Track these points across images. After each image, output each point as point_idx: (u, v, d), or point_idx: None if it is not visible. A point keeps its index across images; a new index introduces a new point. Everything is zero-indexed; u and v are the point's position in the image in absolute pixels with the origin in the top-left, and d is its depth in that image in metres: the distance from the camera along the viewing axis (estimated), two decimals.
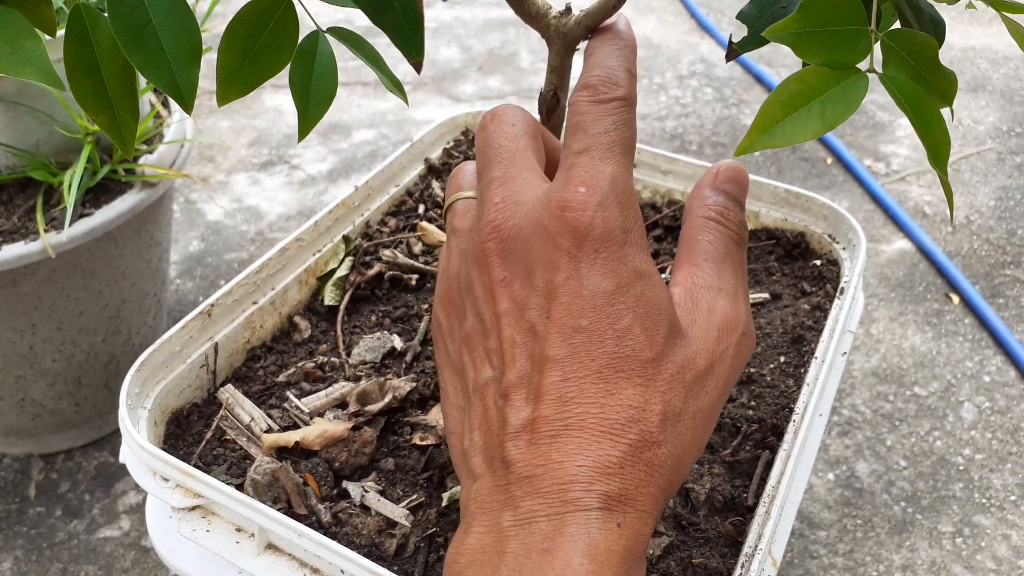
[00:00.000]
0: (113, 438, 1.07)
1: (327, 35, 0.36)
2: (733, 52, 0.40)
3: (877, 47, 0.34)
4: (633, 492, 0.31)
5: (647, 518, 0.31)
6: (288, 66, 0.36)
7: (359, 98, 1.75)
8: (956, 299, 1.25)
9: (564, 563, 0.29)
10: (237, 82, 0.34)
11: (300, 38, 0.35)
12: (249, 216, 1.43)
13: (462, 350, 0.37)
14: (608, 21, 0.40)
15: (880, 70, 0.34)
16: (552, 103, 0.45)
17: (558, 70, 0.45)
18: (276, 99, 1.74)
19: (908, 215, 1.39)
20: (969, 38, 1.97)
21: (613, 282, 0.32)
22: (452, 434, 0.37)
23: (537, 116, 0.46)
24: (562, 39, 0.43)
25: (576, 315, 0.32)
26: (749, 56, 1.87)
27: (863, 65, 0.34)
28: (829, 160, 1.55)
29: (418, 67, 0.34)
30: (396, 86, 0.37)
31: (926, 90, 0.34)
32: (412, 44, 0.33)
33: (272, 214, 1.44)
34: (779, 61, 1.88)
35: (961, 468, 1.02)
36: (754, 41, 0.39)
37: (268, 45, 0.34)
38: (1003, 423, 1.07)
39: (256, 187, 1.50)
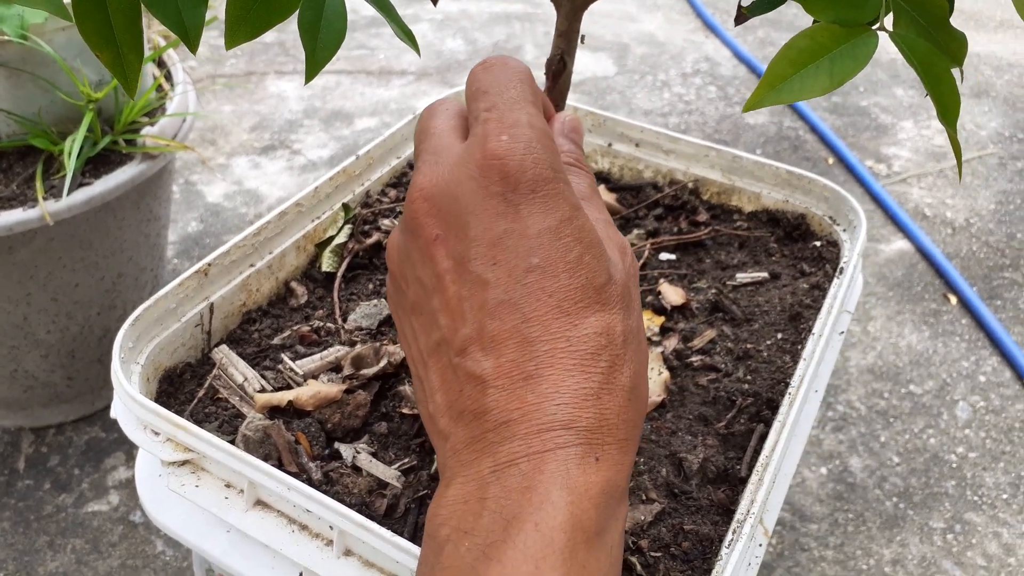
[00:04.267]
0: (104, 414, 1.07)
1: None
2: (742, 16, 0.40)
3: (889, 18, 0.34)
4: (612, 420, 0.31)
5: (626, 447, 0.31)
6: (297, 12, 0.35)
7: (362, 86, 1.75)
8: (954, 300, 1.25)
9: (543, 497, 0.29)
10: (246, 25, 0.33)
11: None
12: (248, 199, 1.43)
13: (410, 319, 0.36)
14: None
15: (891, 29, 0.34)
16: (559, 67, 0.45)
17: (566, 34, 0.44)
18: (279, 85, 1.74)
19: (908, 216, 1.39)
20: (974, 44, 1.97)
21: (556, 217, 0.32)
22: (419, 403, 0.37)
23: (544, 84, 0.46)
24: (571, 2, 0.43)
25: (525, 255, 0.32)
26: (753, 55, 1.87)
27: (874, 25, 0.34)
28: (831, 160, 1.55)
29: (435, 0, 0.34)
30: (408, 36, 0.37)
31: (937, 49, 0.34)
32: None
33: (272, 197, 1.44)
34: None
35: (954, 466, 1.02)
36: (763, 5, 0.39)
37: None
38: (997, 423, 1.07)
39: (256, 171, 1.50)
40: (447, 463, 0.33)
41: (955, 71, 0.35)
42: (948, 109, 0.34)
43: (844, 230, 0.61)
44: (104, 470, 1.00)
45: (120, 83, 0.34)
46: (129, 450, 1.03)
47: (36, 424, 1.05)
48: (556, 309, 0.32)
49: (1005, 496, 0.99)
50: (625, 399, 0.32)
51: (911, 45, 0.33)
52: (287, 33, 1.91)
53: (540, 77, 0.47)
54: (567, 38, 0.45)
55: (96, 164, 0.87)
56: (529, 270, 0.32)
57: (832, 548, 0.93)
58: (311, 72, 0.36)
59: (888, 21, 0.34)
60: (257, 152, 1.55)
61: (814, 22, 0.36)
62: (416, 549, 0.38)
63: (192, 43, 0.34)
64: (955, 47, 0.35)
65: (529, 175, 0.32)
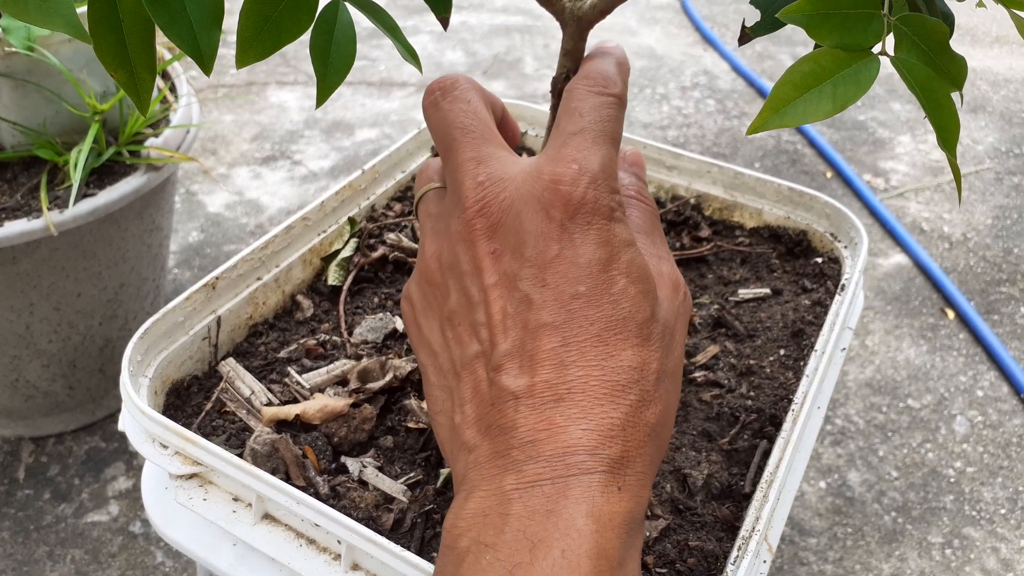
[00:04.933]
0: (105, 424, 1.07)
1: (347, 3, 0.36)
2: (746, 36, 0.40)
3: (890, 37, 0.35)
4: (633, 454, 0.31)
5: (645, 479, 0.32)
6: (308, 33, 0.36)
7: (363, 98, 1.75)
8: (951, 314, 1.26)
9: (568, 523, 0.29)
10: (257, 46, 0.34)
11: (320, 5, 0.35)
12: (249, 209, 1.43)
13: (443, 328, 0.37)
14: (607, 46, 0.42)
15: (892, 53, 0.34)
16: (564, 86, 0.45)
17: (571, 54, 0.45)
18: (280, 95, 1.75)
19: (906, 230, 1.40)
20: (970, 60, 1.98)
21: (606, 251, 0.34)
22: (438, 413, 0.37)
23: (551, 101, 0.47)
24: (576, 22, 0.44)
25: (573, 282, 0.33)
26: (752, 69, 1.89)
27: (875, 49, 0.34)
28: (829, 174, 1.56)
29: (444, 23, 0.34)
30: (411, 55, 0.38)
31: (937, 74, 0.34)
32: (440, 1, 0.33)
33: (272, 208, 1.44)
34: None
35: (952, 480, 1.03)
36: (767, 26, 0.40)
37: (288, 10, 0.34)
38: (995, 437, 1.08)
39: (257, 181, 1.50)
40: (467, 475, 0.33)
41: (954, 95, 0.36)
42: (948, 134, 0.34)
43: (845, 247, 0.61)
44: (104, 480, 1.00)
45: (133, 101, 0.35)
46: (129, 460, 1.03)
47: (36, 433, 1.05)
48: (595, 338, 0.33)
49: (1003, 511, 0.99)
50: (646, 435, 0.32)
51: (911, 70, 0.34)
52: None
53: (543, 90, 0.47)
54: (573, 57, 0.46)
55: (100, 175, 0.88)
56: (575, 297, 0.33)
57: (831, 562, 0.93)
58: (322, 96, 0.36)
59: (890, 46, 0.34)
60: (258, 162, 1.55)
61: (816, 46, 0.37)
62: (423, 563, 0.39)
63: (207, 66, 0.34)
64: (955, 71, 0.35)
65: (588, 208, 0.34)
